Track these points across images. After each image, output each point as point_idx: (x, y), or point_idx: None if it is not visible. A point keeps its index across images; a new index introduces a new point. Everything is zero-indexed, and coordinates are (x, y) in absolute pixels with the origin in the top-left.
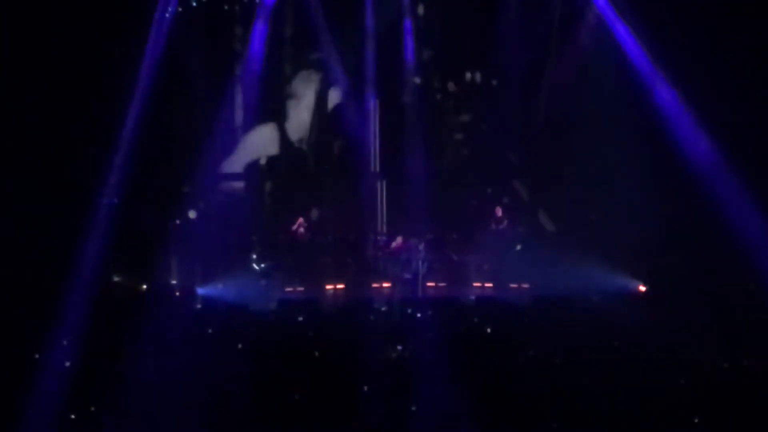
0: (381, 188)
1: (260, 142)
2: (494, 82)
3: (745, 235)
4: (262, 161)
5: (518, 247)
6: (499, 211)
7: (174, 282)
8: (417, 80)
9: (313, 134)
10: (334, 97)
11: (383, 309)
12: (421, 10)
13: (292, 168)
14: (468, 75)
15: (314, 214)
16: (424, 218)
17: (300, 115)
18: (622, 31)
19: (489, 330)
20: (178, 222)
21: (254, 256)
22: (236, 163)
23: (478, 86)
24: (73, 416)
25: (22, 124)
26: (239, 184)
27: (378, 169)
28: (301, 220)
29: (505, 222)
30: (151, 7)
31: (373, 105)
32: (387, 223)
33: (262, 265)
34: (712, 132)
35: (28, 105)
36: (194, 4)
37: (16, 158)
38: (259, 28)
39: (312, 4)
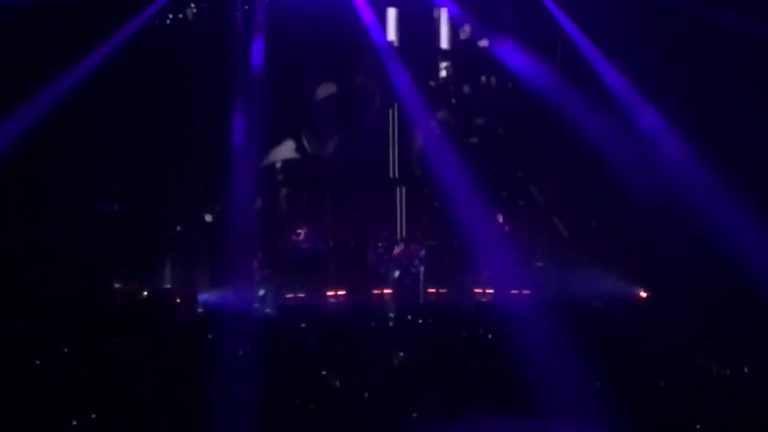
0: (400, 194)
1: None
2: (509, 85)
3: (746, 241)
4: (278, 166)
5: (539, 264)
6: (499, 218)
7: (173, 288)
8: (432, 83)
9: (327, 142)
10: (349, 104)
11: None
12: (435, 14)
13: (304, 176)
14: (483, 78)
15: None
16: (433, 224)
17: (313, 125)
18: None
19: (490, 336)
20: (179, 228)
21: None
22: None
23: (494, 90)
24: (74, 422)
25: (22, 129)
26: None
27: (396, 175)
28: (303, 230)
29: (506, 229)
30: (151, 12)
31: (390, 110)
32: (405, 229)
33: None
34: (714, 136)
35: (29, 110)
36: (194, 9)
37: (17, 164)
38: (261, 32)
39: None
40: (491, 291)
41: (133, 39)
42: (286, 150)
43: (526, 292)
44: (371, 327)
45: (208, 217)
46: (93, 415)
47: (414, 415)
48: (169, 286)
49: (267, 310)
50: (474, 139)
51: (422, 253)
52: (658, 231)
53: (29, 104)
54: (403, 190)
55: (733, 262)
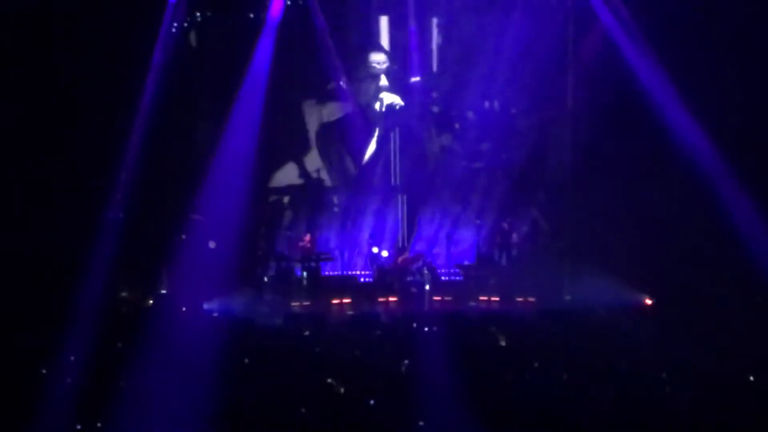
0: (401, 202)
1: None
2: (513, 111)
3: (752, 247)
4: (283, 190)
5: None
6: (505, 225)
7: (178, 296)
8: (435, 109)
9: (329, 157)
10: (346, 121)
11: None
12: (439, 40)
13: (311, 195)
14: (486, 103)
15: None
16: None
17: (320, 143)
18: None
19: (502, 342)
20: (183, 237)
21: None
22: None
23: (497, 114)
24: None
25: (27, 137)
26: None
27: (398, 182)
28: (308, 236)
29: (514, 236)
30: (157, 21)
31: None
32: (407, 236)
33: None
34: (719, 141)
35: (34, 117)
36: (199, 18)
37: (22, 172)
38: (265, 44)
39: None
40: (496, 298)
41: (140, 45)
42: (289, 167)
43: (531, 299)
44: (377, 335)
45: (212, 244)
46: (98, 424)
47: (420, 423)
48: (174, 294)
49: (272, 319)
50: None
51: (427, 260)
52: (664, 237)
53: (32, 109)
54: (405, 197)
55: (741, 267)
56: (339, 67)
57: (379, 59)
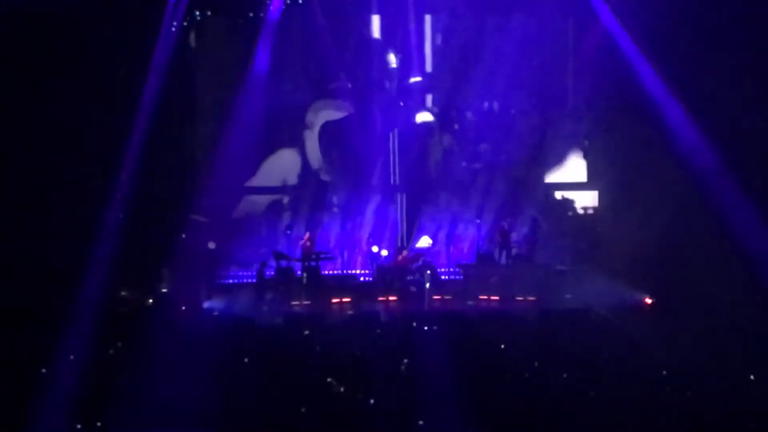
0: (401, 201)
1: (280, 168)
2: (513, 111)
3: (751, 247)
4: (283, 190)
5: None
6: (505, 225)
7: (177, 295)
8: (435, 110)
9: (329, 156)
10: (348, 121)
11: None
12: (438, 40)
13: (310, 194)
14: (486, 104)
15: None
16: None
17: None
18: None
19: (502, 345)
20: (183, 236)
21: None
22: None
23: (496, 115)
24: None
25: (28, 137)
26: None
27: (397, 182)
28: (308, 234)
29: (514, 235)
30: (157, 21)
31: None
32: (406, 235)
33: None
34: (717, 143)
35: (35, 120)
36: (198, 17)
37: (23, 174)
38: (265, 44)
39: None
40: (496, 298)
41: (140, 46)
42: (289, 159)
43: (531, 298)
44: (376, 334)
45: (212, 245)
46: (98, 424)
47: (420, 423)
48: (173, 293)
49: (272, 318)
50: (478, 165)
51: (426, 259)
52: (664, 237)
53: (33, 112)
54: (404, 196)
55: (741, 267)
56: (339, 67)
57: (385, 59)
